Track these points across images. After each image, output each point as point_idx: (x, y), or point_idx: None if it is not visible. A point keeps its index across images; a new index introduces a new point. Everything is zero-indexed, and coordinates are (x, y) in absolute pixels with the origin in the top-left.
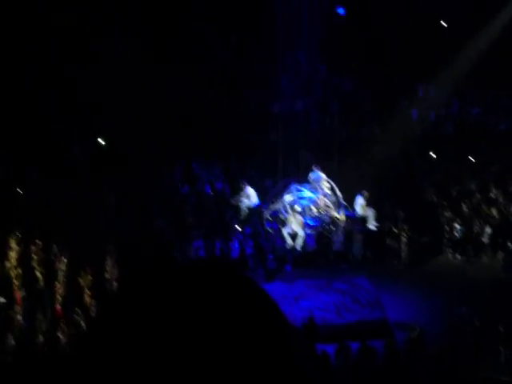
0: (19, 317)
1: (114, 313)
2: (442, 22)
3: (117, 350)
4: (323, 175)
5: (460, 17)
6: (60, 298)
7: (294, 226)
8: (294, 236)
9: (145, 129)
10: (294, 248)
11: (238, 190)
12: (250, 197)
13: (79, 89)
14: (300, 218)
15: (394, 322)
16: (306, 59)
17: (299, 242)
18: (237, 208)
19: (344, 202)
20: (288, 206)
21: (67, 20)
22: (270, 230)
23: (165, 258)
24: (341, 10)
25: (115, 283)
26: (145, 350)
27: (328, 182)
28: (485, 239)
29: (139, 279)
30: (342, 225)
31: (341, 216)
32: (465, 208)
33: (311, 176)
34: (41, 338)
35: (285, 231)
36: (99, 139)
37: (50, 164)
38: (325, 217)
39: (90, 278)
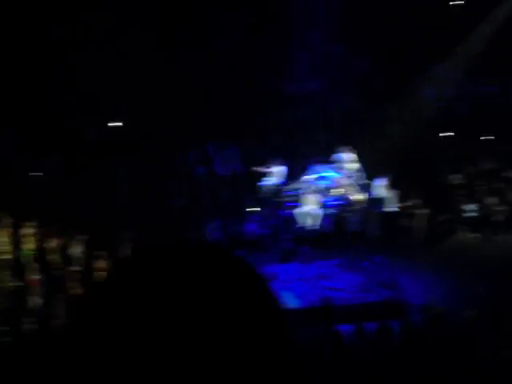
0: (35, 301)
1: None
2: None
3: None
4: (351, 155)
5: None
6: (76, 282)
7: (311, 206)
8: (310, 216)
9: (157, 111)
10: (310, 228)
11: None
12: (277, 174)
13: (91, 73)
14: (317, 197)
15: (411, 301)
16: (320, 39)
17: (315, 222)
18: (259, 186)
19: (366, 182)
20: (309, 186)
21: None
22: (290, 210)
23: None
24: None
25: None
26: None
27: (354, 162)
28: (501, 217)
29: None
30: (362, 206)
31: (361, 197)
32: (481, 187)
33: (340, 156)
34: (57, 322)
35: (301, 210)
36: (112, 123)
37: (64, 149)
38: (345, 197)
39: (105, 261)
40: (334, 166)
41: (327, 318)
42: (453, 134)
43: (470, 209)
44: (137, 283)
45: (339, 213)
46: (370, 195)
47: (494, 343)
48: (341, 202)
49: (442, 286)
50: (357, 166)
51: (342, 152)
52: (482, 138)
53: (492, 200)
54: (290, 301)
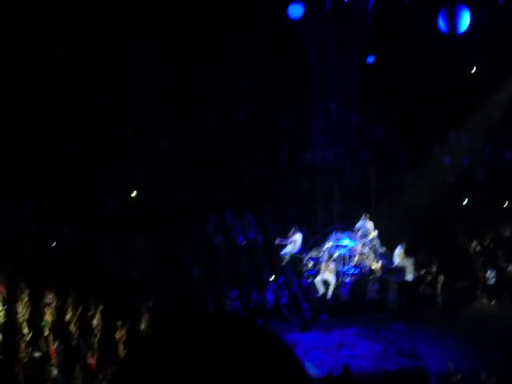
0: (54, 371)
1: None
2: (472, 68)
3: None
4: (368, 223)
5: (490, 62)
6: (95, 352)
7: (327, 274)
8: (328, 284)
9: (177, 180)
10: (325, 296)
11: (274, 240)
12: (296, 243)
13: (110, 141)
14: (333, 265)
15: (431, 369)
16: (336, 107)
17: (334, 290)
18: (277, 254)
19: (382, 251)
20: (326, 254)
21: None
22: (309, 278)
23: (191, 311)
24: (370, 59)
25: None
26: None
27: (372, 230)
28: None
29: (156, 332)
30: (378, 274)
31: (377, 265)
32: (499, 254)
33: (359, 224)
34: None
35: (317, 279)
36: (132, 193)
37: (83, 218)
38: (362, 266)
39: (124, 331)
40: (351, 234)
41: None
42: (471, 200)
43: (490, 275)
44: (162, 361)
45: (357, 281)
46: (387, 263)
47: None
48: (358, 270)
49: (462, 353)
50: (375, 233)
51: (360, 220)
52: (500, 203)
53: (511, 267)
54: (309, 369)
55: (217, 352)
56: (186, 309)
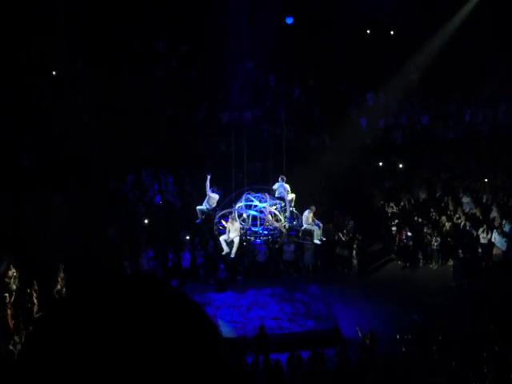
0: None
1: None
2: (390, 31)
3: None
4: (283, 185)
5: (408, 26)
6: (11, 311)
7: (232, 234)
8: (230, 243)
9: (94, 140)
10: (228, 255)
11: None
12: (212, 200)
13: (27, 98)
14: (238, 225)
15: (346, 330)
16: (255, 69)
17: (234, 250)
18: (194, 215)
19: (295, 213)
20: (235, 214)
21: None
22: (223, 238)
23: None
24: (289, 20)
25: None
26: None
27: (286, 192)
28: (435, 247)
29: (72, 297)
30: (286, 236)
31: (285, 227)
32: (415, 216)
33: (276, 186)
34: None
35: (221, 238)
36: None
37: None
38: (271, 227)
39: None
40: (263, 195)
41: (262, 346)
42: (386, 162)
43: (404, 237)
44: (75, 328)
45: (272, 242)
46: (297, 225)
47: (425, 372)
48: (272, 232)
49: (376, 315)
50: (291, 196)
51: (276, 181)
52: (416, 166)
53: (426, 229)
54: (224, 329)
55: (127, 315)
56: (97, 271)
